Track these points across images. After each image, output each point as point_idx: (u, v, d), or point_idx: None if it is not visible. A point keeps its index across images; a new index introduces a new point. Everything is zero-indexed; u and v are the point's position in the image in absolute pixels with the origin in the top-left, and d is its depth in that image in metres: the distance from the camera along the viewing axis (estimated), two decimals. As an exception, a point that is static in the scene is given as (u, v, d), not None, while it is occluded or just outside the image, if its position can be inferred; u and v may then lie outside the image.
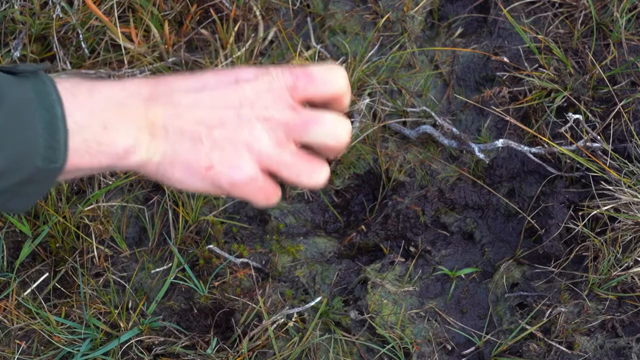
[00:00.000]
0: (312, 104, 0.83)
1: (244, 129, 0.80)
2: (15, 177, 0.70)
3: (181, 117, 0.80)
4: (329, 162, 1.32)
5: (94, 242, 1.23)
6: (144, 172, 0.80)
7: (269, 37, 1.40)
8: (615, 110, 1.25)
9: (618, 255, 1.16)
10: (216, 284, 1.21)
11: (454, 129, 1.31)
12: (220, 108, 0.81)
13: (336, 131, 0.79)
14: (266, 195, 0.81)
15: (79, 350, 1.14)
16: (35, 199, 0.73)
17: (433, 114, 1.33)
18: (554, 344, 1.13)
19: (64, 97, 0.73)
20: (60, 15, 1.32)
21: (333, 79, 0.81)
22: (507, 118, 1.29)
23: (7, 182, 0.70)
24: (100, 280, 1.22)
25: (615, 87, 1.30)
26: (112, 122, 0.76)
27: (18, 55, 1.29)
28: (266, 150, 0.81)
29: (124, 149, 0.77)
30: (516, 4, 1.40)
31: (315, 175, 0.82)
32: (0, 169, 0.68)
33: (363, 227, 1.29)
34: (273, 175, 0.82)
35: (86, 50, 1.33)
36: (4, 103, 0.69)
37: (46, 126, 0.71)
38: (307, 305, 1.18)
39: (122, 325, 1.16)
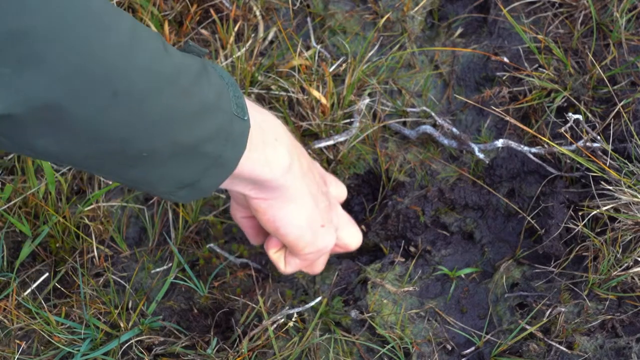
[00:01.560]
0: None
1: (333, 204, 0.97)
2: (218, 119, 0.72)
3: (311, 173, 0.90)
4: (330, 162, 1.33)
5: (94, 242, 1.23)
6: (271, 204, 0.86)
7: (269, 37, 1.40)
8: (615, 110, 1.25)
9: (618, 255, 1.16)
10: (216, 284, 1.21)
11: (454, 129, 1.31)
12: (322, 182, 0.95)
13: (358, 239, 1.07)
14: (322, 266, 1.07)
15: (79, 350, 1.14)
16: (227, 172, 0.76)
17: (433, 114, 1.33)
18: (554, 344, 1.13)
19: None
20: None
21: (344, 192, 1.10)
22: (507, 118, 1.29)
23: (211, 125, 0.71)
24: (100, 280, 1.22)
25: (615, 87, 1.30)
26: (281, 139, 0.83)
27: (18, 55, 1.29)
28: (337, 227, 0.99)
29: (288, 165, 0.82)
30: (516, 4, 1.40)
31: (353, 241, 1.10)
32: (208, 105, 0.71)
33: (363, 227, 1.29)
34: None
35: (86, 50, 1.33)
36: (196, 58, 0.73)
37: (231, 85, 0.76)
38: (307, 305, 1.18)
39: (122, 325, 1.16)
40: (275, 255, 1.01)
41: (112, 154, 0.65)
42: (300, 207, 0.87)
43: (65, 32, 0.57)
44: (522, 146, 1.28)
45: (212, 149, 0.72)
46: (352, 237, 1.02)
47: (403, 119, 1.35)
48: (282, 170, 0.82)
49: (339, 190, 1.03)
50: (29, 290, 1.20)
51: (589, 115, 1.28)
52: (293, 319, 1.17)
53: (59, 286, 1.21)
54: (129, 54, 0.62)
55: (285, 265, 1.01)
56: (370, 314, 1.18)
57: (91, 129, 0.62)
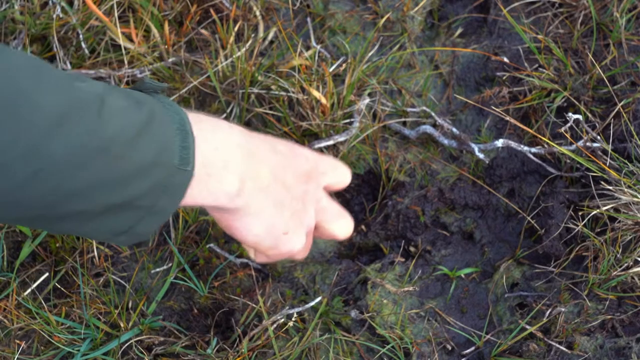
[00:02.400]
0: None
1: (309, 206, 0.93)
2: (156, 176, 0.70)
3: (278, 181, 0.87)
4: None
5: (94, 242, 1.23)
6: (230, 219, 0.85)
7: (269, 37, 1.40)
8: (615, 110, 1.25)
9: (618, 255, 1.16)
10: (216, 284, 1.21)
11: (454, 129, 1.31)
12: (297, 181, 0.91)
13: (346, 231, 0.99)
14: (301, 256, 1.01)
15: (79, 350, 1.14)
16: (163, 219, 0.74)
17: (433, 114, 1.33)
18: (554, 343, 1.13)
19: (192, 123, 0.75)
20: (60, 15, 1.32)
21: (347, 176, 1.00)
22: (507, 118, 1.29)
23: (148, 182, 0.70)
24: (100, 280, 1.22)
25: (615, 87, 1.30)
26: (231, 164, 0.80)
27: (18, 55, 1.29)
28: (311, 227, 0.95)
29: (237, 190, 0.80)
30: (516, 4, 1.40)
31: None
32: (147, 164, 0.69)
33: (363, 227, 1.29)
34: None
35: (86, 50, 1.33)
36: (145, 105, 0.71)
37: (179, 127, 0.73)
38: (307, 305, 1.18)
39: (122, 325, 1.16)
40: (246, 246, 1.01)
41: (38, 217, 0.66)
42: (256, 219, 0.85)
43: None
44: (522, 146, 1.28)
45: (146, 203, 0.71)
46: (340, 229, 0.99)
47: (403, 119, 1.35)
48: (229, 197, 0.80)
49: (338, 175, 0.98)
50: (29, 290, 1.20)
51: (589, 115, 1.28)
52: (293, 319, 1.17)
53: (59, 286, 1.21)
54: (54, 133, 0.60)
55: (255, 256, 1.00)
56: (370, 314, 1.18)
57: (11, 200, 0.62)
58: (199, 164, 0.74)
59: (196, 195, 0.76)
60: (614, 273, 1.15)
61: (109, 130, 0.65)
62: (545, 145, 1.27)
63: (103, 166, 0.65)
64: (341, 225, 0.99)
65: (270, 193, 0.85)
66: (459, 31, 1.44)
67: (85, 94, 0.65)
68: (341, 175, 0.99)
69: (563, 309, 1.15)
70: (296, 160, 0.91)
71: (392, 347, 1.16)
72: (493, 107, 1.32)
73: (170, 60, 1.35)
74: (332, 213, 0.97)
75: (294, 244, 0.91)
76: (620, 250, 1.16)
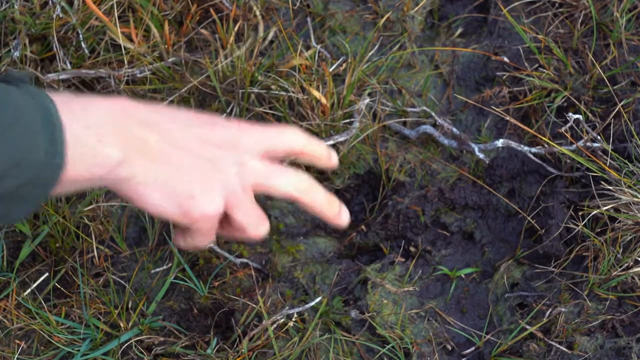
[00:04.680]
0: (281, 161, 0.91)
1: (224, 168, 0.86)
2: (21, 176, 0.71)
3: (171, 145, 0.83)
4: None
5: (94, 242, 1.23)
6: (120, 188, 0.82)
7: (269, 37, 1.40)
8: (615, 110, 1.25)
9: (618, 255, 1.16)
10: (216, 284, 1.21)
11: (454, 129, 1.31)
12: (206, 145, 0.86)
13: (297, 183, 0.88)
14: (209, 235, 0.89)
15: (79, 350, 1.14)
16: (36, 204, 0.75)
17: (433, 114, 1.33)
18: (554, 344, 1.13)
19: (60, 109, 0.75)
20: (60, 15, 1.32)
21: (291, 137, 0.90)
22: (507, 118, 1.29)
23: (13, 181, 0.70)
24: (100, 280, 1.22)
25: (615, 87, 1.30)
26: (106, 136, 0.78)
27: (18, 55, 1.29)
28: (234, 192, 0.87)
29: (117, 160, 0.79)
30: (516, 4, 1.40)
31: (260, 227, 0.89)
32: (7, 166, 0.70)
33: (363, 227, 1.29)
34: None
35: (86, 50, 1.33)
36: (7, 105, 0.71)
37: (45, 122, 0.73)
38: (307, 305, 1.18)
39: (122, 325, 1.16)
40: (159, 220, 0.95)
41: None
42: (151, 187, 0.81)
43: None
44: (522, 146, 1.28)
45: (17, 195, 0.72)
46: (285, 183, 0.88)
47: (403, 119, 1.35)
48: (108, 169, 0.78)
49: (282, 140, 0.89)
50: (28, 290, 1.20)
51: (589, 115, 1.28)
52: (293, 319, 1.17)
53: (59, 286, 1.21)
54: None
55: (179, 239, 0.92)
56: (370, 314, 1.18)
57: None
58: (71, 145, 0.74)
59: (73, 175, 0.76)
60: (614, 273, 1.15)
61: None
62: (546, 145, 1.27)
63: None
64: (285, 179, 0.89)
65: (163, 158, 0.82)
66: (459, 31, 1.44)
67: None
68: (287, 140, 0.90)
69: (563, 309, 1.15)
70: (207, 127, 0.86)
71: (392, 347, 1.16)
72: (493, 107, 1.32)
73: (170, 60, 1.35)
74: (268, 170, 0.88)
75: (204, 206, 0.84)
76: (621, 250, 1.16)
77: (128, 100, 0.84)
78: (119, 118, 0.80)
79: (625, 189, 1.15)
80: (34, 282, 1.21)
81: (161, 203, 0.83)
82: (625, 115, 1.24)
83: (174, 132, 0.84)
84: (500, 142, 1.28)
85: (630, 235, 1.16)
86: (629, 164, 1.20)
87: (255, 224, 0.89)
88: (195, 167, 0.84)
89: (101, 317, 1.18)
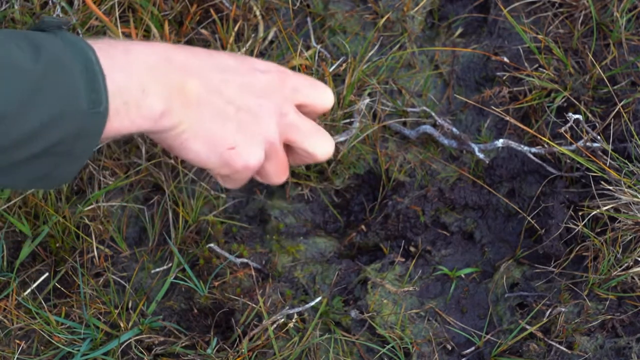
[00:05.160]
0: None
1: (264, 118, 0.84)
2: (64, 127, 0.68)
3: (213, 94, 0.81)
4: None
5: (94, 242, 1.23)
6: (161, 137, 0.80)
7: (269, 37, 1.40)
8: (615, 110, 1.25)
9: (618, 255, 1.16)
10: (216, 284, 1.21)
11: (454, 129, 1.31)
12: (247, 94, 0.84)
13: (329, 149, 0.90)
14: (246, 180, 0.89)
15: (79, 350, 1.14)
16: (81, 160, 0.72)
17: (433, 114, 1.33)
18: (554, 344, 1.13)
19: (100, 56, 0.72)
20: (61, 15, 1.32)
21: (328, 96, 0.90)
22: (507, 118, 1.29)
23: (56, 134, 0.68)
24: (100, 280, 1.22)
25: (615, 87, 1.30)
26: (149, 86, 0.76)
27: (18, 55, 1.29)
28: (273, 144, 0.86)
29: (160, 112, 0.77)
30: (516, 4, 1.40)
31: (283, 176, 0.90)
32: (50, 118, 0.67)
33: (363, 227, 1.29)
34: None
35: (86, 50, 1.33)
36: (42, 52, 0.68)
37: (84, 70, 0.70)
38: (307, 305, 1.18)
39: (122, 325, 1.16)
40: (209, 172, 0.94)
41: None
42: (193, 137, 0.80)
43: None
44: (522, 146, 1.28)
45: (62, 149, 0.69)
46: (316, 146, 0.89)
47: (403, 119, 1.35)
48: (153, 121, 0.76)
49: (316, 94, 0.89)
50: (29, 290, 1.20)
51: (589, 115, 1.28)
52: (293, 319, 1.17)
53: (59, 286, 1.21)
54: None
55: (221, 181, 0.91)
56: (370, 314, 1.18)
57: None
58: (113, 95, 0.71)
59: (117, 127, 0.73)
60: (614, 273, 1.15)
61: None
62: (546, 145, 1.27)
63: (4, 129, 0.64)
64: (317, 141, 0.88)
65: (205, 107, 0.80)
66: (459, 31, 1.44)
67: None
68: (319, 94, 0.90)
69: (563, 309, 1.15)
70: (248, 74, 0.85)
71: (392, 347, 1.16)
72: (493, 107, 1.32)
73: (170, 60, 1.35)
74: (305, 129, 0.88)
75: (247, 158, 0.83)
76: (621, 250, 1.16)
77: (168, 45, 0.81)
78: (160, 65, 0.77)
79: (625, 189, 1.15)
80: (34, 282, 1.21)
81: (201, 152, 0.81)
82: (625, 115, 1.24)
83: (215, 80, 0.82)
84: (500, 142, 1.28)
85: (630, 235, 1.16)
86: (629, 164, 1.20)
87: (280, 174, 0.90)
88: (236, 117, 0.83)
89: (101, 317, 1.18)
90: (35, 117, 0.66)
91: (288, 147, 0.90)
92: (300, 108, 0.90)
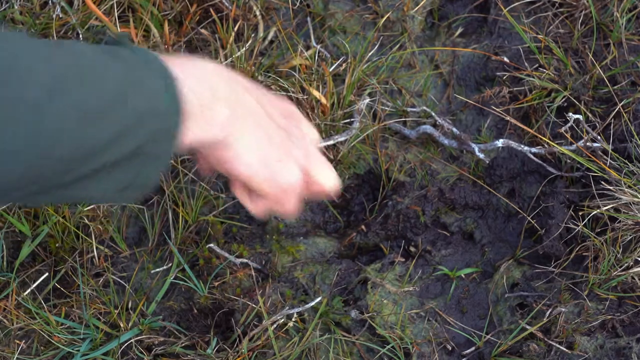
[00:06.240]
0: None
1: (295, 138, 0.89)
2: (145, 129, 0.71)
3: (261, 107, 0.85)
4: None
5: (94, 242, 1.23)
6: (219, 148, 0.83)
7: (269, 37, 1.40)
8: (615, 110, 1.25)
9: (618, 255, 1.16)
10: (216, 284, 1.21)
11: (454, 129, 1.31)
12: (282, 116, 0.89)
13: (333, 181, 0.92)
14: (293, 206, 0.92)
15: (78, 350, 1.14)
16: (163, 162, 0.74)
17: (433, 114, 1.33)
18: (554, 344, 1.13)
19: (170, 65, 0.75)
20: (60, 15, 1.32)
21: (327, 179, 0.92)
22: (507, 118, 1.29)
23: (138, 137, 0.70)
24: (100, 280, 1.22)
25: (615, 87, 1.30)
26: (218, 90, 0.79)
27: (18, 55, 1.29)
28: (304, 167, 0.90)
29: (227, 116, 0.80)
30: (516, 4, 1.40)
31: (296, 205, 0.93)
32: (132, 119, 0.69)
33: (363, 227, 1.29)
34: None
35: (86, 50, 1.33)
36: (119, 57, 0.71)
37: (161, 76, 0.73)
38: (307, 305, 1.18)
39: (122, 325, 1.16)
40: (241, 194, 0.97)
41: (50, 187, 0.67)
42: (247, 146, 0.83)
43: None
44: (522, 146, 1.28)
45: (149, 149, 0.71)
46: (329, 178, 0.93)
47: (403, 119, 1.35)
48: (222, 126, 0.79)
49: (310, 132, 0.96)
50: (28, 290, 1.20)
51: (589, 115, 1.28)
52: (293, 319, 1.17)
53: (59, 286, 1.21)
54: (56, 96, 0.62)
55: (251, 204, 0.96)
56: (370, 314, 1.18)
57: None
58: (189, 99, 0.75)
59: (194, 129, 0.76)
60: (614, 273, 1.15)
61: (102, 93, 0.66)
62: (546, 145, 1.27)
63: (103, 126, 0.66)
64: (329, 174, 0.93)
65: (258, 119, 0.84)
66: (459, 31, 1.44)
67: (86, 59, 0.65)
68: (313, 132, 0.97)
69: (563, 309, 1.15)
70: (275, 97, 0.90)
71: (392, 347, 1.16)
72: (493, 107, 1.32)
73: (170, 60, 1.35)
74: (321, 161, 0.92)
75: (291, 175, 0.87)
76: (621, 250, 1.16)
77: (208, 60, 0.84)
78: (223, 79, 0.81)
79: (625, 189, 1.15)
80: (34, 282, 1.21)
81: (253, 163, 0.84)
82: (625, 115, 1.24)
83: (263, 100, 0.86)
84: (500, 142, 1.28)
85: (630, 235, 1.16)
86: (629, 164, 1.20)
87: (298, 203, 0.92)
88: (278, 132, 0.86)
89: (101, 317, 1.18)
90: (124, 115, 0.69)
91: None
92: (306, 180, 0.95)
